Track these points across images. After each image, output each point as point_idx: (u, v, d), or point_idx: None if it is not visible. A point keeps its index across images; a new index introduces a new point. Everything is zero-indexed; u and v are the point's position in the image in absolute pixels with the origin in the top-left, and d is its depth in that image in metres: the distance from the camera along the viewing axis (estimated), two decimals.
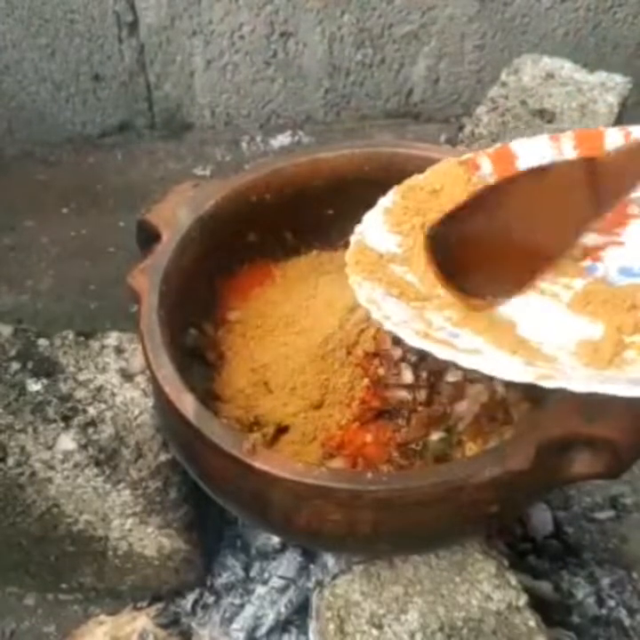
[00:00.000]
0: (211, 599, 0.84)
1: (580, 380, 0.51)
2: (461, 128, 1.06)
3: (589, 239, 0.68)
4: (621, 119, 1.01)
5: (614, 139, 0.71)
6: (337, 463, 0.68)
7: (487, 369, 0.53)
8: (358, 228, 0.69)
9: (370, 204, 0.80)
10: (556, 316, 0.63)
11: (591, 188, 0.69)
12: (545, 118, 0.98)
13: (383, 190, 0.77)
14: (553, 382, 0.51)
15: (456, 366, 0.55)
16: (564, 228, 0.68)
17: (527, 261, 0.68)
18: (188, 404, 0.62)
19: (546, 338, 0.59)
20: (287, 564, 0.81)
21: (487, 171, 0.71)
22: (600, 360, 0.56)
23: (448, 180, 0.71)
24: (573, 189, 0.69)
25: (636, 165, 0.69)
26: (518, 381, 0.52)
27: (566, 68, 1.08)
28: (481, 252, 0.68)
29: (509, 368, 0.53)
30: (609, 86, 1.03)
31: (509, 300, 0.66)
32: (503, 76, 1.08)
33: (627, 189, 0.69)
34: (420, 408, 0.72)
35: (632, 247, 0.67)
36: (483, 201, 0.69)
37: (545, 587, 0.82)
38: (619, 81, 1.04)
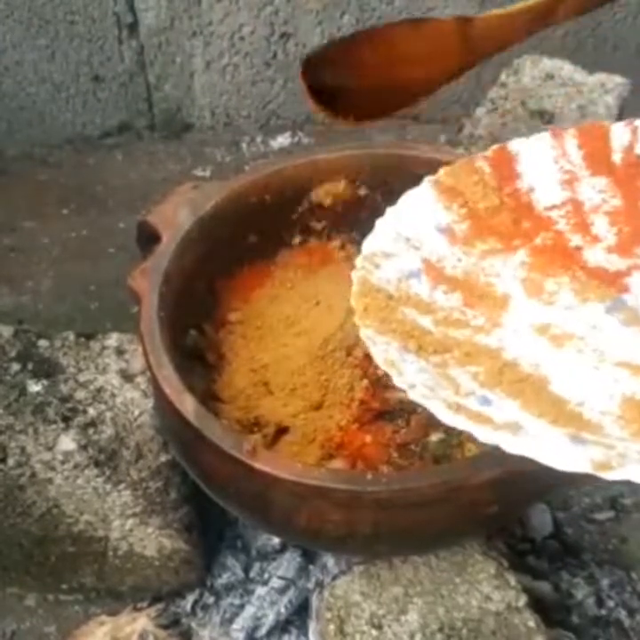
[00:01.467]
0: (211, 600, 0.84)
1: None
2: (460, 129, 1.06)
3: (610, 262, 0.65)
4: (621, 120, 1.01)
5: (620, 134, 0.69)
6: (337, 464, 0.68)
7: (537, 456, 0.49)
8: (360, 262, 0.64)
9: (370, 205, 0.80)
10: (591, 367, 0.58)
11: (463, 44, 0.77)
12: (544, 119, 0.98)
13: (383, 191, 0.78)
14: (614, 474, 0.46)
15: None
16: (435, 71, 0.78)
17: (397, 94, 0.77)
18: (188, 404, 0.62)
19: (585, 397, 0.55)
20: (287, 564, 0.81)
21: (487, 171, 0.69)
22: None
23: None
24: (446, 41, 0.77)
25: (506, 31, 0.78)
26: (575, 471, 0.48)
27: (566, 68, 1.08)
28: (357, 79, 0.76)
29: (561, 453, 0.49)
30: (609, 87, 1.03)
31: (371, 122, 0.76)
32: (503, 77, 1.08)
33: (496, 50, 0.80)
34: (419, 409, 0.72)
35: None
36: (363, 39, 0.77)
37: (544, 587, 0.82)
38: (618, 82, 1.04)
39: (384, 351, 0.57)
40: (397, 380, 0.54)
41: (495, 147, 0.71)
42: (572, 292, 0.64)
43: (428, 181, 0.70)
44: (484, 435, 0.50)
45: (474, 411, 0.53)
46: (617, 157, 0.70)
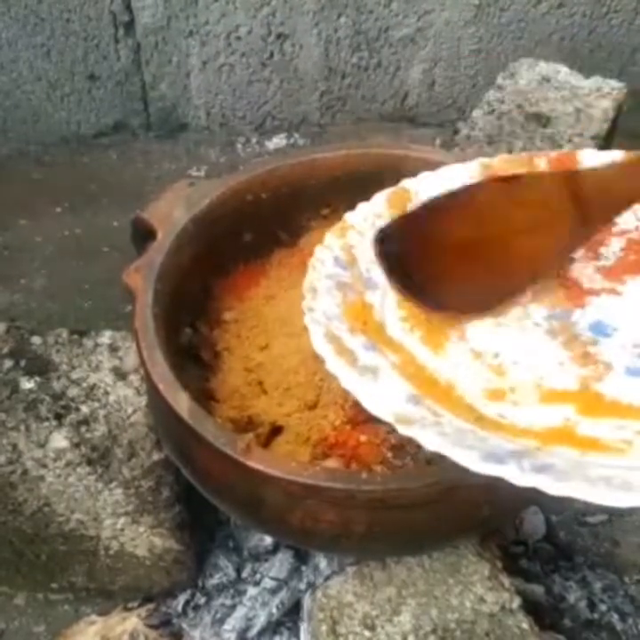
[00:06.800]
0: (202, 600, 0.83)
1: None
2: (456, 132, 1.06)
3: (590, 280, 0.64)
4: (616, 124, 1.02)
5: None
6: (331, 464, 0.68)
7: (362, 397, 0.52)
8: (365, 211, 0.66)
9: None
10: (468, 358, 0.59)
11: (576, 206, 0.62)
12: (541, 122, 0.99)
13: (378, 191, 0.77)
14: (409, 430, 0.48)
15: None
16: (544, 246, 0.63)
17: (502, 276, 0.63)
18: (182, 402, 0.61)
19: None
20: (279, 565, 0.81)
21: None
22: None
23: None
24: (553, 204, 0.62)
25: (626, 184, 0.62)
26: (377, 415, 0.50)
27: (562, 72, 1.08)
28: (448, 261, 0.63)
29: (382, 400, 0.51)
30: (604, 91, 1.03)
31: (478, 317, 0.62)
32: (499, 80, 1.08)
33: (616, 210, 0.64)
34: None
35: (625, 302, 0.62)
36: (444, 206, 0.64)
37: (537, 590, 0.81)
38: (614, 86, 1.04)
39: (317, 273, 0.60)
40: (305, 301, 0.57)
41: (565, 150, 0.71)
42: (530, 290, 0.64)
43: (479, 162, 0.69)
44: (334, 366, 0.53)
45: (346, 347, 0.55)
46: None
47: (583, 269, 0.66)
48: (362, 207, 0.69)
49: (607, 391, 0.55)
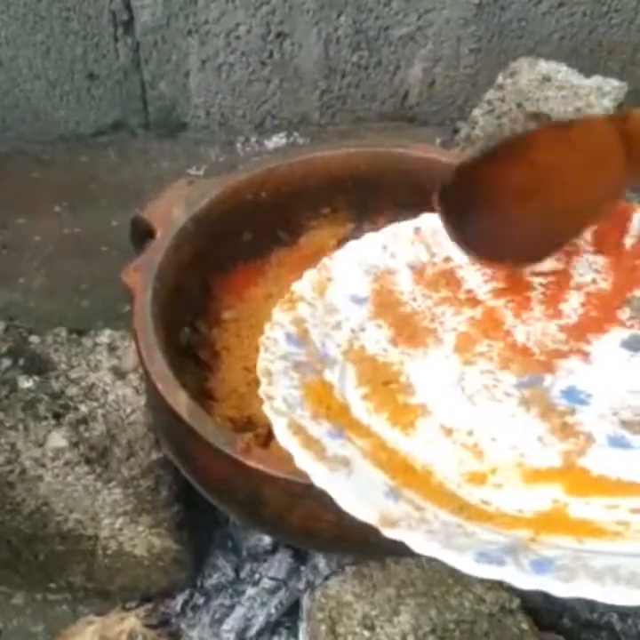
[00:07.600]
0: (200, 600, 0.83)
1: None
2: (456, 131, 1.06)
3: (555, 341, 0.63)
4: None
5: None
6: None
7: (337, 496, 0.50)
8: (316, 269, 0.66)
9: (365, 203, 0.80)
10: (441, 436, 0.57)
11: (625, 144, 0.62)
12: (541, 121, 0.98)
13: (378, 190, 0.77)
14: (394, 533, 0.47)
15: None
16: (601, 184, 0.62)
17: (562, 219, 0.62)
18: (181, 401, 0.61)
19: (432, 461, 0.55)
20: (278, 565, 0.81)
21: None
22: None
23: None
24: (605, 144, 0.62)
25: None
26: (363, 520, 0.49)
27: (562, 71, 1.08)
28: (506, 209, 0.62)
29: (364, 499, 0.49)
30: (605, 91, 1.03)
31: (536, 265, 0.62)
32: (499, 79, 1.08)
33: None
34: None
35: (594, 365, 0.61)
36: (502, 155, 0.63)
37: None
38: (615, 85, 1.04)
39: (270, 354, 0.58)
40: (262, 386, 0.55)
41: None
42: (497, 357, 0.62)
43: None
44: (303, 462, 0.51)
45: (312, 437, 0.53)
46: (628, 242, 0.68)
47: (546, 329, 0.64)
48: (309, 275, 0.68)
49: (592, 466, 0.52)
